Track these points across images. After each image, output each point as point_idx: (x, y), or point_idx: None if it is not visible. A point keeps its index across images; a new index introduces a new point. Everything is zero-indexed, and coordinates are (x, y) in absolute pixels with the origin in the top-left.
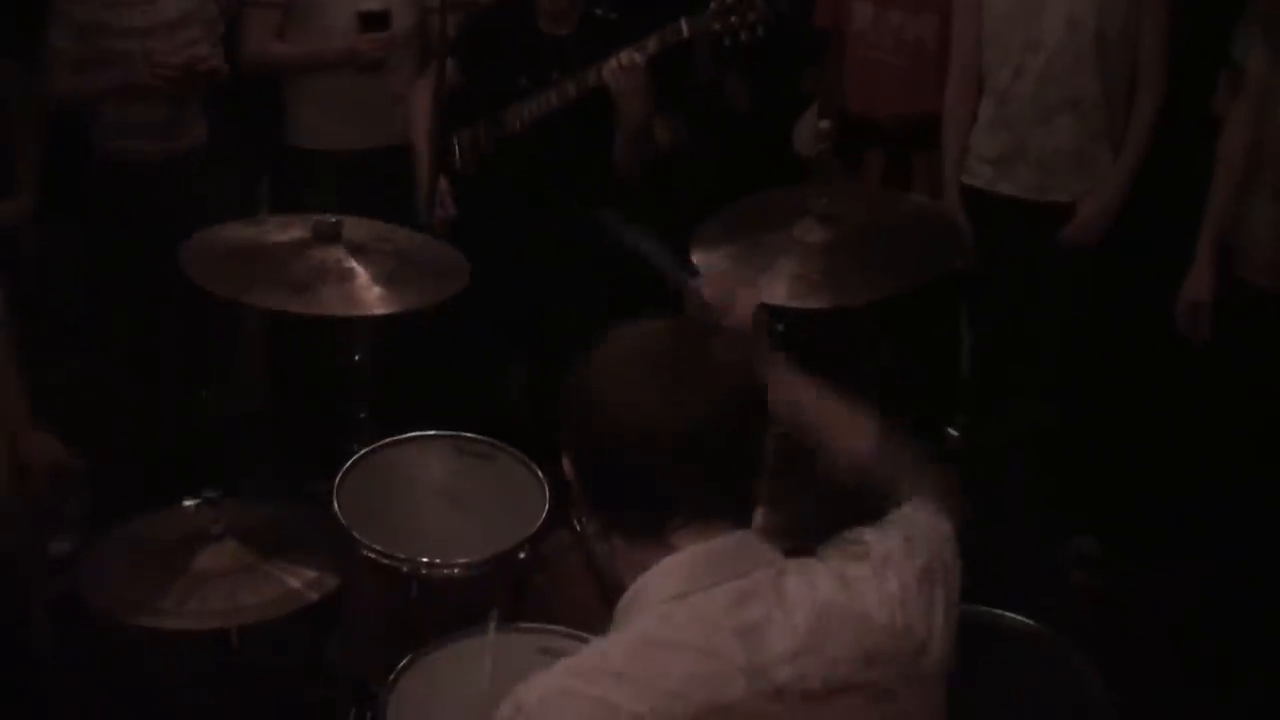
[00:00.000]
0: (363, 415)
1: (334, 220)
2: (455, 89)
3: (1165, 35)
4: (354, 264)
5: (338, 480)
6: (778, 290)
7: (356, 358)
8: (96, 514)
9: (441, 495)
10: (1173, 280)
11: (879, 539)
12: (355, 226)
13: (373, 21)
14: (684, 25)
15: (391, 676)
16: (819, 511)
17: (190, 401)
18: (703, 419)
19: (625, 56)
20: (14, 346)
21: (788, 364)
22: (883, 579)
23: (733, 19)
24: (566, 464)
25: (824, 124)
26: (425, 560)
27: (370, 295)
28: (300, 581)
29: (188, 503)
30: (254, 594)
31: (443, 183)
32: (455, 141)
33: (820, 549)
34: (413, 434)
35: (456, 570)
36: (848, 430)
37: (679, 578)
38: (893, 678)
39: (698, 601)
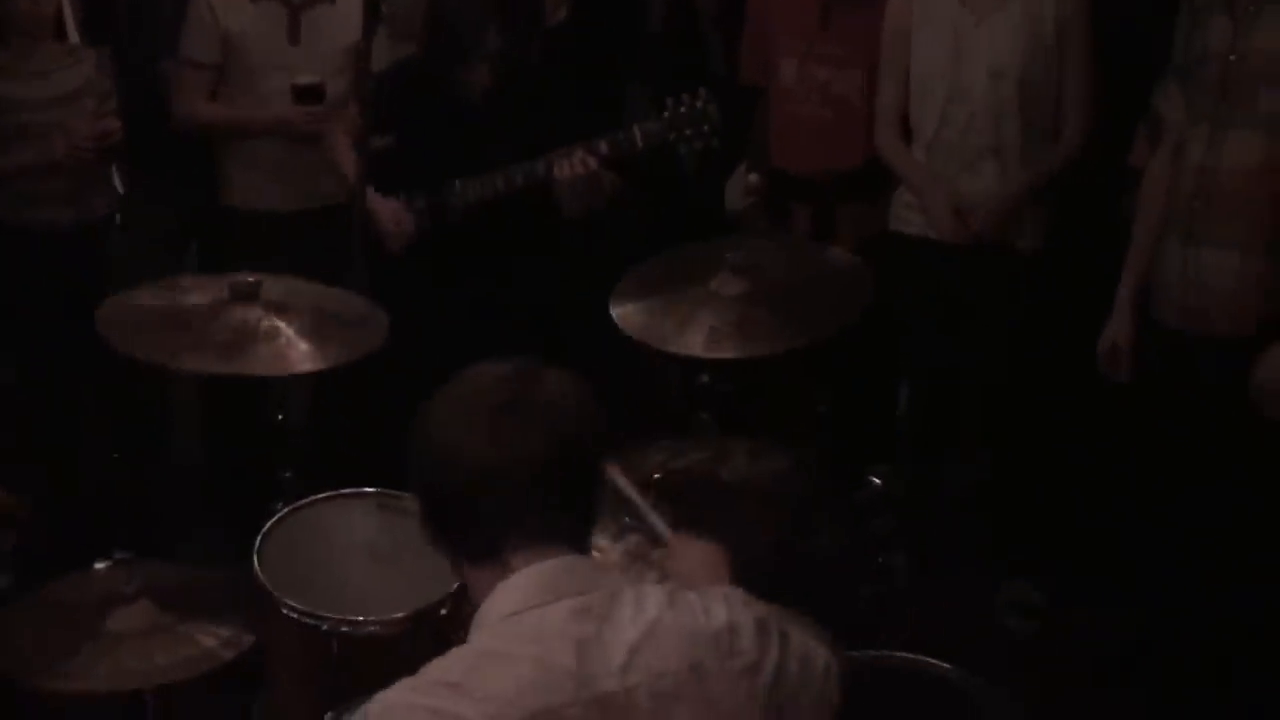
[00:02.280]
0: (288, 474)
1: (252, 280)
2: (382, 148)
3: (1089, 80)
4: (275, 322)
5: (259, 539)
6: (694, 342)
7: (280, 417)
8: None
9: (365, 552)
10: (1096, 325)
11: (722, 588)
12: (273, 285)
13: (307, 94)
14: (638, 134)
15: None
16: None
17: (112, 462)
18: (531, 452)
19: (579, 159)
20: None
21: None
22: (710, 604)
23: (687, 131)
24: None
25: (752, 178)
26: (345, 618)
27: (293, 354)
28: (216, 641)
29: (99, 565)
30: (168, 654)
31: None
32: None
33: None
34: (336, 491)
35: (376, 628)
36: None
37: (517, 595)
38: (722, 692)
39: (534, 616)
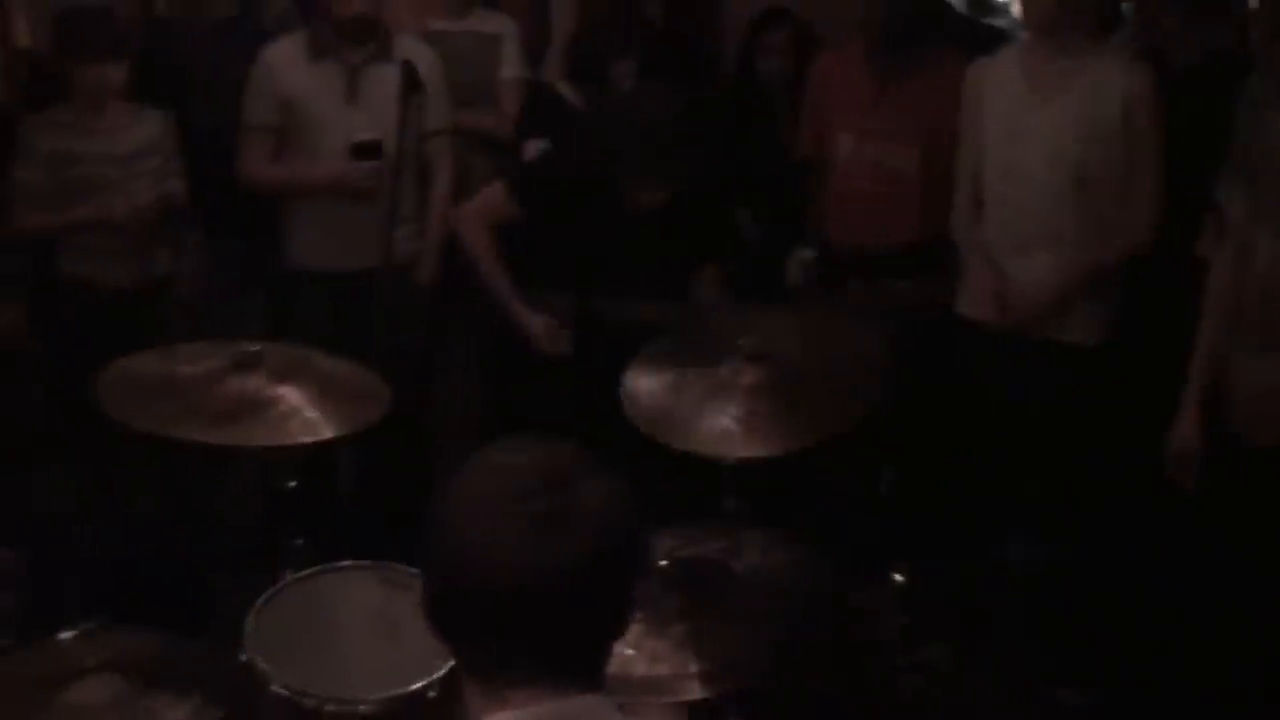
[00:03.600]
0: (299, 542)
1: (255, 349)
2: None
3: (1156, 169)
4: (276, 392)
5: (254, 610)
6: (709, 439)
7: (292, 484)
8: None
9: (364, 627)
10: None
11: None
12: (277, 353)
13: (364, 151)
14: None
15: None
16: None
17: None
18: (550, 570)
19: None
20: None
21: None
22: None
23: None
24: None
25: (806, 254)
26: (332, 696)
27: (292, 425)
28: (181, 715)
29: (63, 635)
30: None
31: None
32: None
33: None
34: (336, 564)
35: (364, 706)
36: None
37: None
38: None
39: None
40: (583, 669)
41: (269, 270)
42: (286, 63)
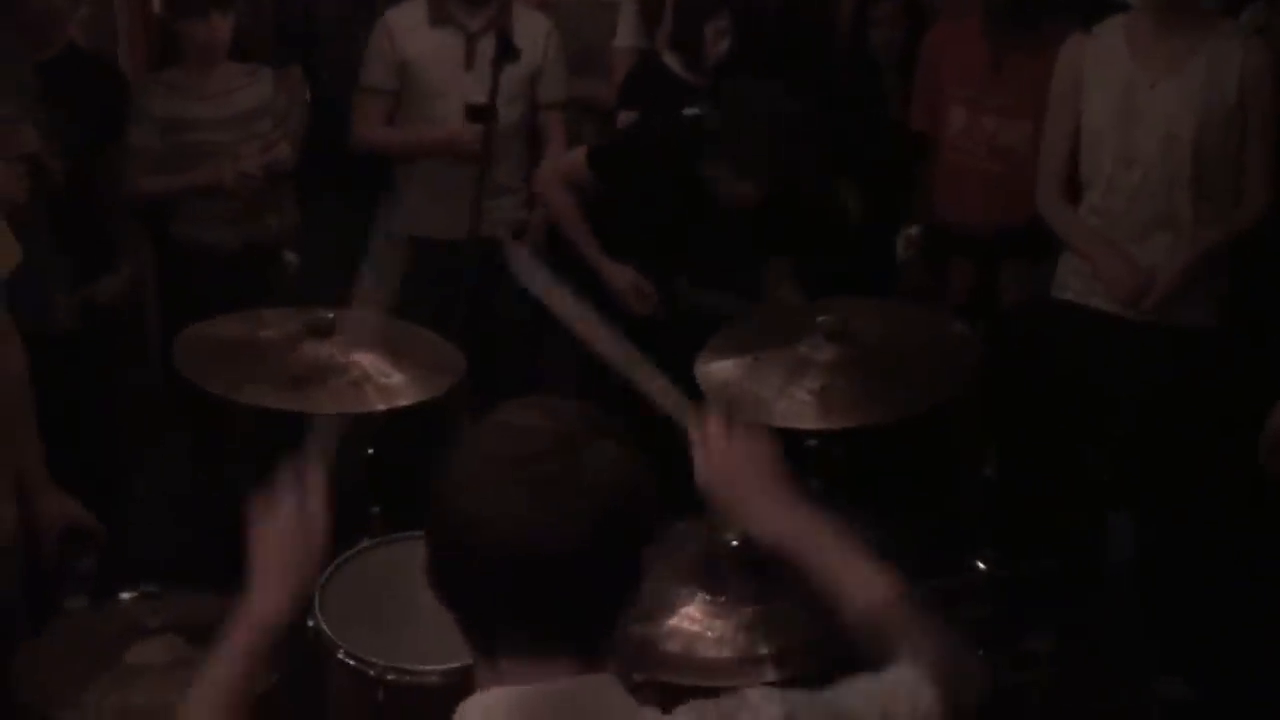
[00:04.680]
0: (376, 510)
1: (330, 315)
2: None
3: (1273, 146)
4: (351, 358)
5: (325, 576)
6: (786, 415)
7: (370, 451)
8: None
9: (430, 597)
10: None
11: (763, 703)
12: (352, 320)
13: (479, 113)
14: None
15: None
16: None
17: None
18: (552, 535)
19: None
20: (34, 410)
21: (812, 500)
22: None
23: None
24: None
25: (912, 230)
26: (393, 665)
27: (368, 391)
28: None
29: (125, 596)
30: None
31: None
32: None
33: (677, 708)
34: (411, 533)
35: (427, 678)
36: (862, 580)
37: (497, 716)
38: None
39: None
40: (583, 642)
41: (373, 235)
42: (407, 27)
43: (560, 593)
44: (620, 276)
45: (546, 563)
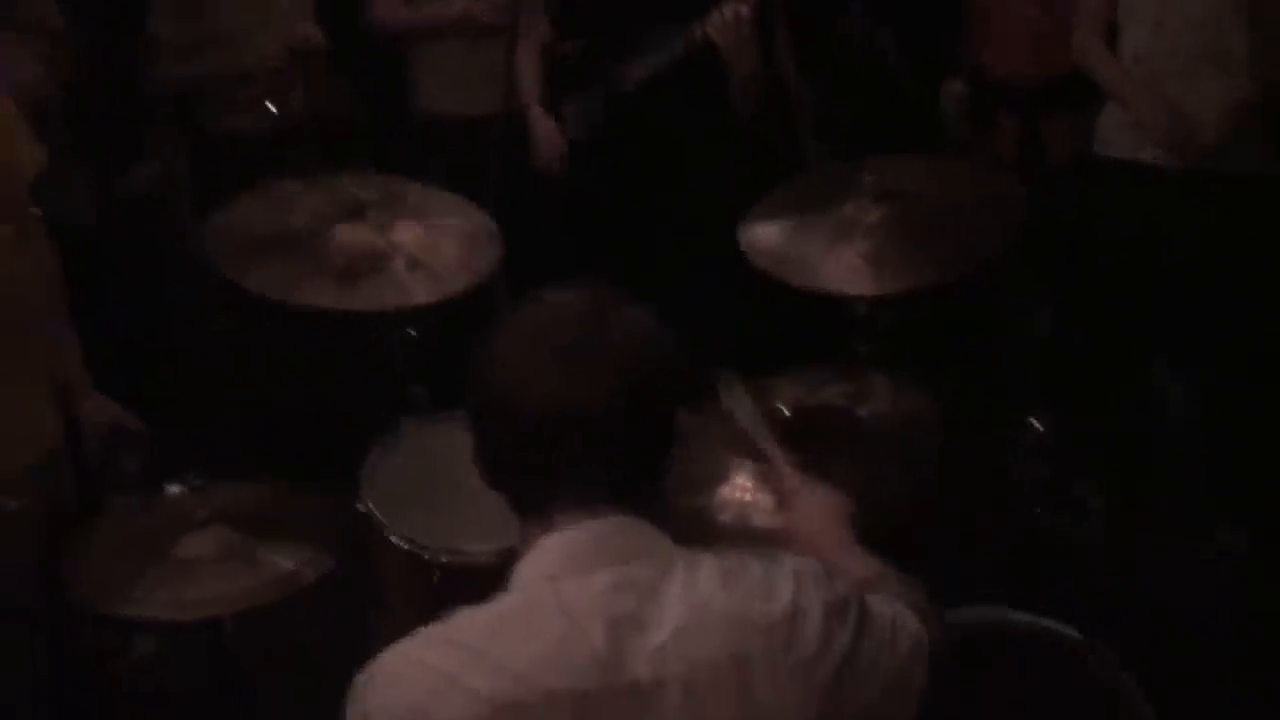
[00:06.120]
0: (419, 389)
1: (362, 195)
2: (563, 55)
3: None
4: (389, 242)
5: (371, 459)
6: (834, 278)
7: (412, 332)
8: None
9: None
10: None
11: (797, 561)
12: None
13: None
14: None
15: None
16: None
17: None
18: (589, 398)
19: (729, 9)
20: (70, 312)
21: (807, 478)
22: (774, 585)
23: None
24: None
25: (957, 85)
26: (446, 547)
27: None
28: (294, 564)
29: (171, 489)
30: (239, 580)
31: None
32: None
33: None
34: (456, 412)
35: (481, 559)
36: (853, 558)
37: (554, 559)
38: (767, 691)
39: (570, 585)
40: (620, 492)
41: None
42: None
43: (590, 450)
44: (542, 126)
45: (581, 422)
